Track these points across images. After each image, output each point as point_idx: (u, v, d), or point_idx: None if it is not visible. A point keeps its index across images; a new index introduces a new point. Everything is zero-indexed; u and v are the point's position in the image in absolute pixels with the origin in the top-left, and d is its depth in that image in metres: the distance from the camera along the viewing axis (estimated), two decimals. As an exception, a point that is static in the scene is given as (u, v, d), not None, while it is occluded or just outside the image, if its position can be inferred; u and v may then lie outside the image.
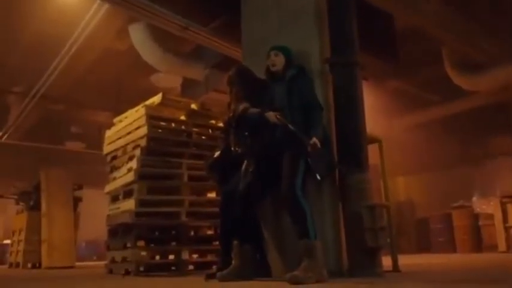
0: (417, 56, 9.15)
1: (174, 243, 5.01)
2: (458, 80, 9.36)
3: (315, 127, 3.18)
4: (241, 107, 3.42)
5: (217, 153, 3.86)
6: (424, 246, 11.40)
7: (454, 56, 9.11)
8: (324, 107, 3.42)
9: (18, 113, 11.27)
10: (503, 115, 11.09)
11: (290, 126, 3.12)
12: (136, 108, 5.38)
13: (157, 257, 5.24)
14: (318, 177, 3.09)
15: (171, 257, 5.02)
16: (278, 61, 3.48)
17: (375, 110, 8.71)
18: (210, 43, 6.72)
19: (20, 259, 7.96)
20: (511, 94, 10.17)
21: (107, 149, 5.73)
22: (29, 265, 7.95)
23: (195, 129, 5.38)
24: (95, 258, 14.60)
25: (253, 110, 3.35)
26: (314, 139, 3.04)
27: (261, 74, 3.70)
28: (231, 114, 3.61)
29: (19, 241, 8.12)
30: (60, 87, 10.07)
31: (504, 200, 8.96)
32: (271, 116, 3.22)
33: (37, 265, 7.89)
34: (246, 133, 3.55)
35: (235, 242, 3.25)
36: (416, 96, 11.09)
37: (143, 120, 5.01)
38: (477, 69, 9.10)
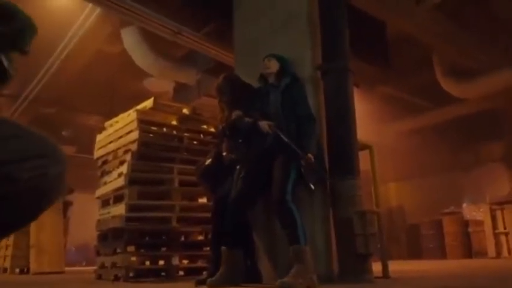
0: (409, 62, 9.25)
1: (164, 249, 4.98)
2: (449, 87, 9.46)
3: (308, 140, 3.20)
4: (234, 115, 3.43)
5: (208, 161, 3.85)
6: (415, 252, 11.45)
7: (444, 63, 9.21)
8: (315, 113, 3.44)
9: (8, 116, 11.18)
10: (493, 122, 11.21)
11: (283, 137, 3.13)
12: (127, 113, 5.35)
13: (148, 263, 5.20)
14: (312, 186, 3.10)
15: (161, 262, 4.98)
16: (271, 65, 3.52)
17: (367, 116, 8.76)
18: (202, 48, 6.74)
19: (7, 264, 7.85)
20: (501, 101, 10.30)
21: (97, 153, 5.69)
22: (17, 270, 7.84)
23: (186, 134, 5.36)
24: (84, 263, 14.47)
25: (247, 119, 3.36)
26: (309, 155, 3.07)
27: (253, 79, 3.71)
28: (224, 123, 3.62)
29: (7, 246, 8.01)
30: (52, 91, 10.02)
31: (493, 206, 9.03)
32: (264, 125, 3.23)
33: (25, 270, 7.79)
34: (240, 140, 3.57)
35: (223, 248, 3.23)
36: (408, 103, 11.19)
37: (134, 125, 4.99)
38: (467, 77, 9.20)
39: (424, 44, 8.27)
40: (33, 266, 7.46)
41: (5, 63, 1.08)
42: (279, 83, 3.45)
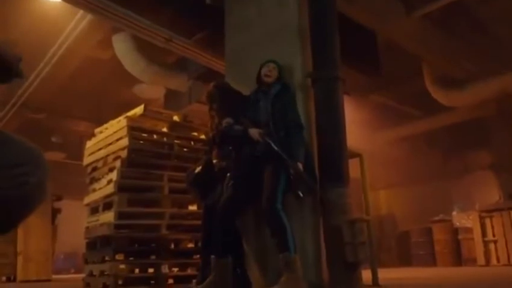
0: (399, 71, 9.31)
1: (153, 257, 4.94)
2: (438, 95, 9.54)
3: (296, 149, 3.20)
4: (225, 122, 3.43)
5: (198, 168, 3.84)
6: (405, 260, 11.47)
7: (433, 72, 9.30)
8: (305, 121, 3.45)
9: (-4, 121, 11.07)
10: (482, 130, 11.32)
11: (273, 145, 3.13)
12: (117, 119, 5.33)
13: (137, 271, 5.15)
14: (301, 194, 3.10)
15: (151, 270, 4.94)
16: (274, 74, 3.50)
17: (357, 124, 8.81)
18: (193, 55, 6.73)
19: (-6, 272, 7.75)
20: (490, 110, 10.41)
21: (87, 160, 5.64)
22: (4, 278, 7.73)
23: (176, 141, 5.34)
24: (72, 271, 14.29)
25: (237, 127, 3.36)
26: (298, 164, 3.07)
27: (243, 86, 3.71)
28: (215, 130, 3.62)
29: (-6, 253, 7.91)
30: (41, 96, 9.94)
31: (482, 214, 9.09)
32: (254, 133, 3.23)
33: (12, 278, 7.68)
34: (230, 148, 3.57)
35: (212, 256, 3.22)
36: (398, 111, 11.27)
37: (124, 132, 4.96)
38: (456, 85, 9.29)
39: (414, 53, 8.34)
40: (20, 274, 7.36)
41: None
42: (269, 90, 3.45)
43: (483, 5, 7.69)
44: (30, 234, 7.52)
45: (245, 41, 4.25)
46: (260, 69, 3.55)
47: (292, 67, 3.77)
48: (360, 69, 7.09)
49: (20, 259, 7.46)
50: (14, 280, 7.56)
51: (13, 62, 1.12)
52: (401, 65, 9.10)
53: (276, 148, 3.12)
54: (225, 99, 3.64)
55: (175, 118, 5.57)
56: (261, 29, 4.13)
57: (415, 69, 9.41)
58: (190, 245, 5.34)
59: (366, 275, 3.67)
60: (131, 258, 4.90)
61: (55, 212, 8.41)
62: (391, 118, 11.39)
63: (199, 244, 4.63)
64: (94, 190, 5.25)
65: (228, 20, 4.58)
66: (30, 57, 8.58)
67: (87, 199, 5.35)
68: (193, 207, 5.32)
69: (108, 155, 5.18)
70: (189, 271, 5.10)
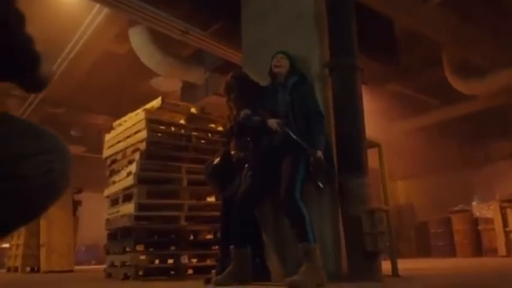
0: (417, 59, 9.18)
1: (173, 248, 5.00)
2: (458, 84, 9.38)
3: (317, 137, 3.18)
4: (243, 113, 3.42)
5: (216, 160, 3.85)
6: (424, 250, 11.38)
7: (453, 60, 9.13)
8: (323, 111, 3.43)
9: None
10: (503, 119, 11.11)
11: (292, 134, 3.12)
12: (135, 112, 5.39)
13: (157, 261, 5.23)
14: (321, 185, 3.08)
15: (170, 261, 5.01)
16: (283, 63, 3.50)
17: (375, 114, 8.72)
18: (210, 47, 6.73)
19: (18, 263, 7.94)
20: (510, 98, 10.19)
21: (106, 152, 5.73)
22: (28, 269, 7.93)
23: (194, 133, 5.38)
24: (94, 262, 14.56)
25: (255, 118, 3.36)
26: (319, 153, 3.06)
27: (260, 78, 3.71)
28: (233, 121, 3.62)
29: (18, 245, 8.10)
30: (60, 91, 10.07)
31: (503, 204, 8.93)
32: (273, 123, 3.22)
33: (35, 269, 7.87)
34: (248, 138, 3.57)
35: (231, 246, 3.24)
36: (416, 100, 11.12)
37: (143, 124, 5.02)
38: (476, 73, 9.12)
39: (432, 41, 8.20)
40: (43, 265, 7.53)
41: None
42: (286, 81, 3.44)
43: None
44: (53, 226, 7.68)
45: (262, 33, 4.23)
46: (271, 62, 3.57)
47: (309, 57, 3.74)
48: (377, 58, 7.01)
49: (43, 251, 7.63)
50: (38, 271, 7.74)
51: (48, 78, 1.16)
52: (419, 54, 8.97)
53: (295, 137, 3.11)
54: (243, 89, 3.63)
55: (193, 110, 5.61)
56: (277, 20, 4.10)
57: (433, 58, 9.26)
58: (209, 236, 5.39)
59: (386, 265, 3.65)
60: (151, 249, 4.97)
61: (76, 204, 8.56)
62: (410, 108, 11.25)
63: (218, 235, 4.67)
64: (114, 182, 5.33)
65: (244, 11, 4.56)
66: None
67: (107, 191, 5.44)
68: (211, 199, 5.36)
69: (127, 148, 5.24)
70: (208, 262, 5.16)
